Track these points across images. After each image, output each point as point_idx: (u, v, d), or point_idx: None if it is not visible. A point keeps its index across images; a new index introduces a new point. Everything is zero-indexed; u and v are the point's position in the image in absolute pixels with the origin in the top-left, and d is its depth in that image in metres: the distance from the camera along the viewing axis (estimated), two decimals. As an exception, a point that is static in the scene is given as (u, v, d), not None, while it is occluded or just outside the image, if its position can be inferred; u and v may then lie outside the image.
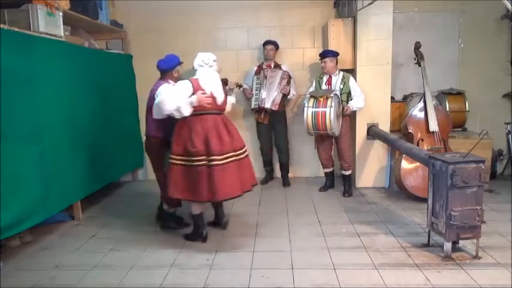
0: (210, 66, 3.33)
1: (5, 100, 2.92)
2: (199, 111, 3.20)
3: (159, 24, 5.31)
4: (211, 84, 3.27)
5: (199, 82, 3.24)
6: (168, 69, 3.55)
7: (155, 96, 3.32)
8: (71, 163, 3.77)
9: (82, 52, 4.19)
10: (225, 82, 4.57)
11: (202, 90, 3.20)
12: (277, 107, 4.79)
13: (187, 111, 3.16)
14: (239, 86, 4.53)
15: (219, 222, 3.71)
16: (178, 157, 3.20)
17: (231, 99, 3.64)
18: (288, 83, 4.83)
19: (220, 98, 3.30)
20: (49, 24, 3.56)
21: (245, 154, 3.39)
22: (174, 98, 3.16)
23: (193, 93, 3.18)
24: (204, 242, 3.38)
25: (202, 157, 3.15)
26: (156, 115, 3.34)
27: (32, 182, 3.20)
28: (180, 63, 3.60)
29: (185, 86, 3.22)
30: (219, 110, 3.33)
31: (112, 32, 5.22)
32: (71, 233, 3.74)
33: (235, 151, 3.27)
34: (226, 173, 3.16)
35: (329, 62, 4.49)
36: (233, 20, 5.36)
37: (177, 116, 3.19)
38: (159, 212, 3.87)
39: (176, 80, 3.49)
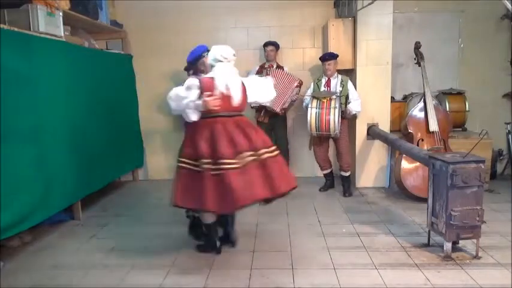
0: (229, 62, 3.01)
1: (5, 100, 2.92)
2: (209, 114, 2.88)
3: (159, 24, 5.32)
4: (228, 83, 2.93)
5: (214, 81, 2.91)
6: (192, 62, 3.36)
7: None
8: (71, 163, 3.77)
9: (82, 52, 4.19)
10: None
11: (211, 91, 2.86)
12: (283, 111, 4.79)
13: (193, 117, 2.90)
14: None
15: (227, 238, 3.30)
16: (186, 160, 2.94)
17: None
18: (298, 92, 4.83)
19: (237, 97, 2.95)
20: (49, 24, 3.55)
21: (271, 153, 2.95)
22: (176, 102, 2.93)
23: (201, 95, 2.86)
24: (218, 254, 3.14)
25: (208, 160, 2.82)
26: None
27: (32, 182, 3.20)
28: (204, 53, 3.25)
29: (191, 87, 2.90)
30: (235, 111, 2.98)
31: (112, 32, 5.22)
32: (71, 233, 3.74)
33: (255, 150, 2.88)
34: (244, 177, 2.77)
35: (333, 65, 4.50)
36: (233, 20, 5.37)
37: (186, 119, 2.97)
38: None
39: (203, 73, 3.20)
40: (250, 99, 3.11)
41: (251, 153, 2.86)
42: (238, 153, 2.81)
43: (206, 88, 2.88)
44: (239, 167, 2.79)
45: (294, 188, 3.03)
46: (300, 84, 4.81)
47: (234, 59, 3.05)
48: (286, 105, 4.75)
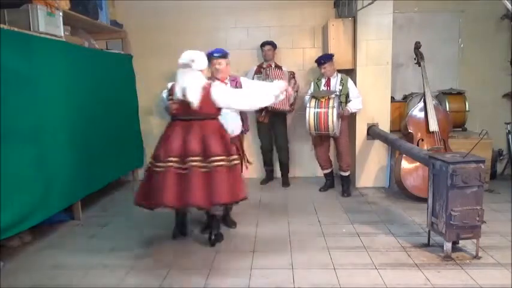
0: (190, 67, 3.08)
1: (5, 100, 2.91)
2: (174, 117, 3.18)
3: (159, 24, 5.32)
4: (185, 88, 3.02)
5: (175, 86, 3.11)
6: None
7: None
8: (71, 163, 3.77)
9: (82, 52, 4.19)
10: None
11: (172, 96, 3.13)
12: (292, 107, 4.83)
13: (168, 117, 3.26)
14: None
15: (209, 235, 3.35)
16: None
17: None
18: (295, 83, 4.85)
19: (195, 102, 3.00)
20: (49, 24, 3.55)
21: (206, 164, 2.97)
22: (160, 103, 3.41)
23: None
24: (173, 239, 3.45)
25: (152, 160, 3.14)
26: None
27: (32, 182, 3.20)
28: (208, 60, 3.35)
29: (166, 90, 3.26)
30: (198, 114, 3.06)
31: (112, 32, 5.22)
32: (71, 233, 3.74)
33: (181, 157, 2.99)
34: (162, 181, 2.98)
35: (328, 67, 4.49)
36: (233, 20, 5.37)
37: None
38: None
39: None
40: (221, 105, 3.15)
41: (176, 159, 2.99)
42: (165, 157, 3.01)
43: (171, 93, 3.16)
44: (162, 171, 3.00)
45: (221, 204, 3.12)
46: (293, 76, 4.85)
47: (195, 64, 3.08)
48: (292, 99, 4.75)
